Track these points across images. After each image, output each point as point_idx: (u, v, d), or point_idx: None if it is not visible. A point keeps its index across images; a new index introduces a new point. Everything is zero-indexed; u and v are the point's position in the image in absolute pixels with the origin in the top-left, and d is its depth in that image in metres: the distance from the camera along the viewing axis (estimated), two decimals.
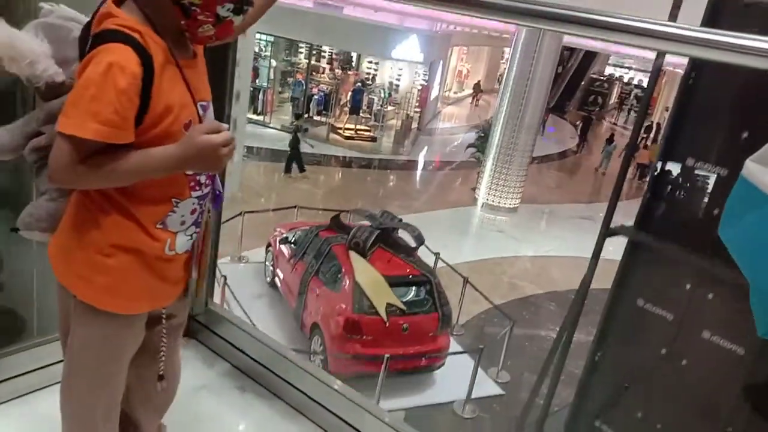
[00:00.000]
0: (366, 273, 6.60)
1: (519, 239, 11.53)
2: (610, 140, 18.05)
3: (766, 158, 1.05)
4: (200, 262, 1.42)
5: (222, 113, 2.01)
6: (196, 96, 1.22)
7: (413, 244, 7.36)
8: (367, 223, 7.47)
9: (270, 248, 8.36)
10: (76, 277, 1.28)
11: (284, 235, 7.98)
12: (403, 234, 7.60)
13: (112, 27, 1.11)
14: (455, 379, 6.60)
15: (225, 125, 1.18)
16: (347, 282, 6.62)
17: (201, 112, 1.24)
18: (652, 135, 21.45)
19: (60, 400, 1.40)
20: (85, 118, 1.08)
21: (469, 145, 15.23)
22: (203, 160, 1.16)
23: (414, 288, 6.95)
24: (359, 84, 17.47)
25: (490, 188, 12.85)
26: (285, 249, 7.88)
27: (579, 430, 2.99)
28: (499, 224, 12.43)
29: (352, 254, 6.85)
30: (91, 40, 1.13)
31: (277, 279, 8.01)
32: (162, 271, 1.31)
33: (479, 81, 26.11)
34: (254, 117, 16.00)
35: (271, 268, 8.22)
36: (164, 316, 1.42)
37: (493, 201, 12.85)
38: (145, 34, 1.12)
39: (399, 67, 17.55)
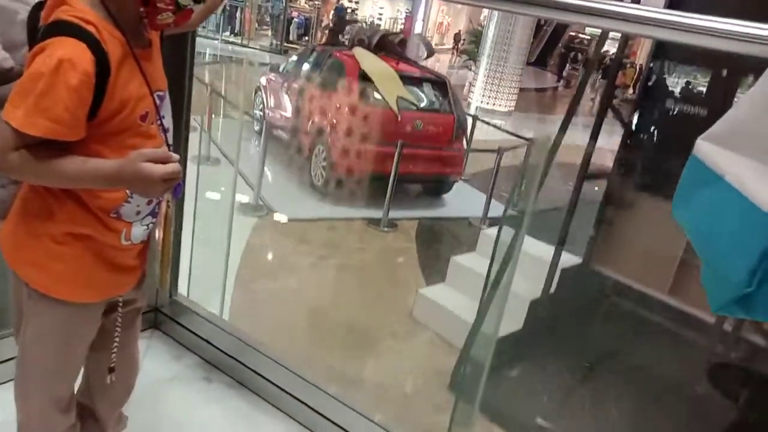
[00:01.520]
0: (374, 64, 5.89)
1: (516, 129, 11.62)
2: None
3: (717, 136, 1.07)
4: (163, 253, 1.39)
5: (181, 105, 1.97)
6: (153, 86, 1.19)
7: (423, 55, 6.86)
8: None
9: (259, 92, 7.64)
10: (29, 265, 1.25)
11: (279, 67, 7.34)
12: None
13: (66, 18, 1.07)
14: (465, 202, 6.42)
15: (175, 156, 1.11)
16: (352, 75, 5.94)
17: (158, 101, 1.21)
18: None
19: (14, 394, 1.37)
20: (33, 113, 1.04)
21: (461, 52, 14.69)
22: (138, 187, 1.12)
23: (427, 87, 6.36)
24: (341, 3, 16.72)
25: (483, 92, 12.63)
26: (278, 77, 7.27)
27: None
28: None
29: (357, 49, 6.15)
30: (44, 29, 1.09)
31: (269, 116, 7.13)
32: (117, 259, 1.28)
33: (459, 31, 25.98)
34: (231, 39, 15.35)
35: (260, 113, 7.40)
36: (120, 303, 1.39)
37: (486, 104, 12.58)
38: (101, 28, 1.08)
39: (380, 6, 17.02)
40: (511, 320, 3.57)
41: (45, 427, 1.37)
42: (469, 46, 14.36)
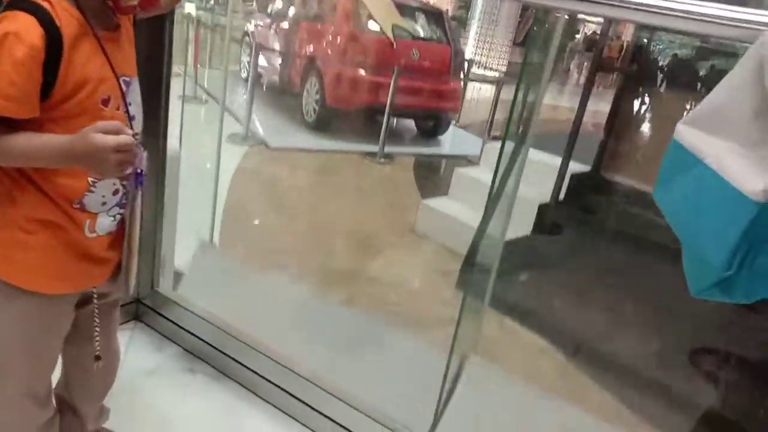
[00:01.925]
0: None
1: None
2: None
3: (697, 120, 1.07)
4: (129, 245, 1.35)
5: (158, 93, 1.94)
6: (118, 70, 1.16)
7: None
8: None
9: (246, 37, 7.54)
10: None
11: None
12: None
13: None
14: (462, 142, 6.38)
15: (128, 130, 1.08)
16: (344, 4, 5.91)
17: (124, 87, 1.18)
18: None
19: None
20: None
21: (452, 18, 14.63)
22: (92, 162, 1.06)
23: (422, 17, 6.28)
24: None
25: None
26: (266, 20, 7.16)
27: None
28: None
29: None
30: (3, 6, 1.06)
31: (257, 63, 6.81)
32: (87, 250, 1.25)
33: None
34: None
35: (248, 58, 7.22)
36: (95, 295, 1.37)
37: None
38: (56, 4, 1.05)
39: None
40: (521, 224, 3.65)
41: (22, 422, 1.34)
42: (458, 12, 14.28)
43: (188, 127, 2.63)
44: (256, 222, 3.96)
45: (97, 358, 1.41)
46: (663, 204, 1.14)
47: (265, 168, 5.26)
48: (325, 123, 6.06)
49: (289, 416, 1.93)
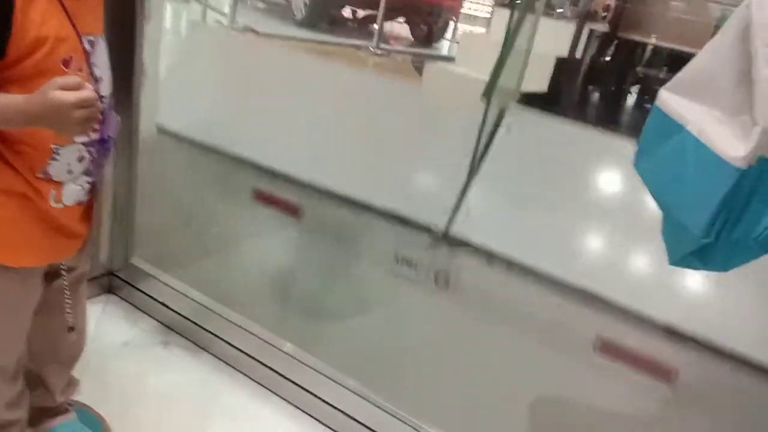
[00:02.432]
0: None
1: None
2: None
3: (679, 86, 1.05)
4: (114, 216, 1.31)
5: (129, 52, 1.87)
6: (81, 29, 1.10)
7: None
8: None
9: None
10: None
11: None
12: None
13: None
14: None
15: (89, 86, 1.02)
16: None
17: (87, 47, 1.12)
18: None
19: None
20: None
21: None
22: (53, 121, 1.01)
23: None
24: None
25: None
26: None
27: None
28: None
29: None
30: None
31: None
32: (54, 222, 1.21)
33: None
34: None
35: None
36: (64, 269, 1.33)
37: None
38: None
39: None
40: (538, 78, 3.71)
41: None
42: None
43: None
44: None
45: (71, 329, 1.38)
46: (644, 174, 1.13)
47: (256, 51, 5.11)
48: (315, 19, 6.16)
49: (269, 389, 1.91)
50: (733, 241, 0.98)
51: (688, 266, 1.06)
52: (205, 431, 1.74)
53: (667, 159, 1.06)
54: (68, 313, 1.37)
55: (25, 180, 1.13)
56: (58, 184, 1.17)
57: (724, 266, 1.02)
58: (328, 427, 1.82)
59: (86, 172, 1.21)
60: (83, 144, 1.18)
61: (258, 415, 1.83)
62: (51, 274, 1.33)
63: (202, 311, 2.04)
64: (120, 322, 2.10)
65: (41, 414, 1.49)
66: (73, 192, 1.20)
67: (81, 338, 1.50)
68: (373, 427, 1.76)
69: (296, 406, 1.87)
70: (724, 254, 1.00)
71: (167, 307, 2.10)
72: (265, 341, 1.93)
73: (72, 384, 1.57)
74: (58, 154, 1.14)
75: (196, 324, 2.05)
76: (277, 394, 1.90)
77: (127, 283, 2.18)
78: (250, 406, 1.86)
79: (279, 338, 1.94)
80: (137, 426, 1.69)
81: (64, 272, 1.32)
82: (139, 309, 2.16)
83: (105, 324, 2.07)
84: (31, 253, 1.22)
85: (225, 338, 1.99)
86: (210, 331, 2.02)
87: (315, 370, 1.85)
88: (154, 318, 2.13)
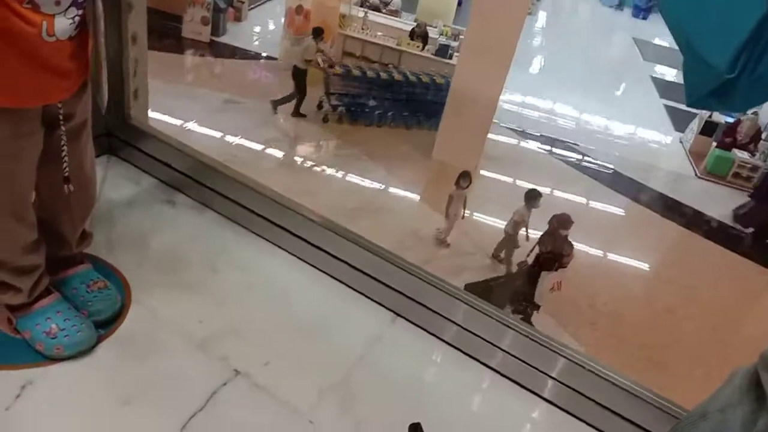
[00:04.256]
0: None
1: None
2: None
3: None
4: (96, 54, 1.26)
5: None
6: None
7: None
8: None
9: None
10: None
11: None
12: None
13: None
14: None
15: None
16: None
17: None
18: None
19: None
20: None
21: None
22: None
23: None
24: None
25: None
26: None
27: None
28: None
29: None
30: None
31: None
32: (46, 61, 1.17)
33: None
34: None
35: None
36: (61, 117, 1.31)
37: None
38: None
39: None
40: None
41: (5, 238, 1.34)
42: None
43: None
44: None
45: (66, 180, 1.39)
46: (665, 8, 1.08)
47: None
48: None
49: (273, 243, 1.96)
50: (756, 77, 0.96)
51: (707, 107, 1.05)
52: (217, 282, 1.81)
53: None
54: (65, 163, 1.37)
55: (12, 11, 1.08)
56: (49, 17, 1.13)
57: (745, 105, 1.01)
58: (335, 278, 1.89)
59: (74, 4, 1.16)
60: None
61: (266, 266, 1.90)
62: (50, 123, 1.31)
63: (204, 168, 2.04)
64: (123, 183, 2.10)
65: (58, 263, 1.54)
66: (64, 25, 1.16)
67: (92, 189, 1.51)
68: (376, 276, 1.83)
69: (301, 258, 1.92)
70: (745, 92, 0.98)
71: (170, 166, 2.09)
72: (266, 195, 1.95)
73: (86, 236, 1.60)
74: None
75: (198, 182, 2.05)
76: (281, 248, 1.95)
77: (127, 143, 2.16)
78: (257, 258, 1.91)
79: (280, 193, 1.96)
80: (149, 278, 1.74)
81: (62, 120, 1.30)
82: (141, 169, 2.15)
83: (107, 185, 2.07)
84: (21, 94, 1.20)
85: (228, 195, 2.00)
86: (213, 188, 2.03)
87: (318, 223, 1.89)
88: (156, 177, 2.13)
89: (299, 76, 8.33)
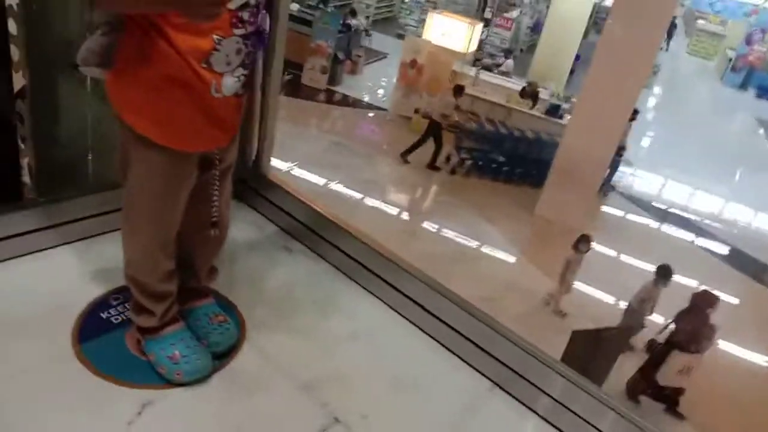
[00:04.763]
0: None
1: None
2: None
3: None
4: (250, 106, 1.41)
5: None
6: None
7: None
8: None
9: None
10: (131, 110, 1.32)
11: None
12: None
13: None
14: None
15: None
16: None
17: None
18: None
19: (121, 232, 1.49)
20: None
21: None
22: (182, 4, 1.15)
23: None
24: None
25: None
26: None
27: None
28: None
29: None
30: None
31: None
32: (213, 111, 1.33)
33: None
34: None
35: None
36: (218, 159, 1.45)
37: None
38: None
39: None
40: None
41: (149, 264, 1.48)
42: None
43: None
44: None
45: (214, 225, 1.52)
46: None
47: None
48: None
49: (381, 300, 2.01)
50: None
51: None
52: (324, 329, 1.88)
53: None
54: (215, 204, 1.51)
55: (191, 68, 1.25)
56: (219, 75, 1.28)
57: None
58: (435, 339, 1.90)
59: (242, 65, 1.31)
60: (241, 36, 1.27)
61: (370, 318, 1.95)
62: (205, 165, 1.46)
63: (323, 221, 2.15)
64: (247, 228, 2.25)
65: (187, 294, 1.67)
66: (230, 83, 1.31)
67: (225, 228, 1.65)
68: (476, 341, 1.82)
69: (405, 316, 1.96)
70: None
71: (291, 216, 2.23)
72: (376, 251, 2.01)
73: (213, 271, 1.73)
74: (220, 44, 1.25)
75: (316, 233, 2.17)
76: (387, 303, 1.99)
77: (255, 191, 2.32)
78: (363, 309, 1.98)
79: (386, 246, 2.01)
80: (263, 318, 1.84)
81: (217, 161, 1.44)
82: (265, 216, 2.30)
83: (233, 229, 2.22)
84: (189, 139, 1.36)
85: (341, 247, 2.09)
86: (328, 240, 2.13)
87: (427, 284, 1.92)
88: (278, 226, 2.27)
89: (436, 129, 8.63)
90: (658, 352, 4.89)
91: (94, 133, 2.10)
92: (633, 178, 9.91)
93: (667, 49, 20.18)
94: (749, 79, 19.19)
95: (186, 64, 1.25)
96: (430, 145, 8.51)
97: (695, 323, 4.76)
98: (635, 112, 9.87)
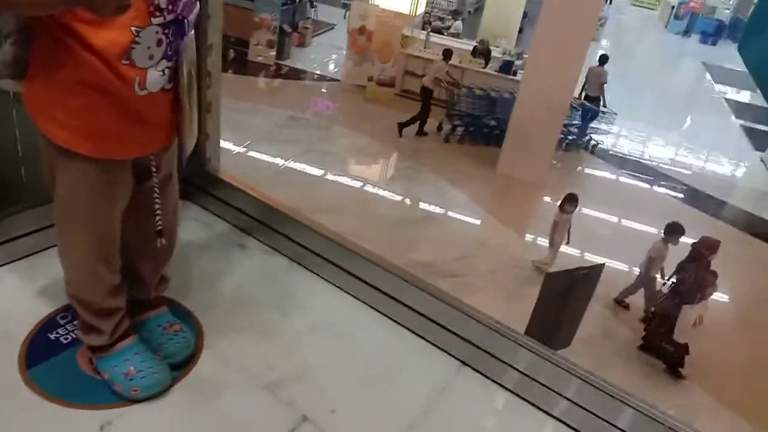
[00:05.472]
0: None
1: None
2: None
3: None
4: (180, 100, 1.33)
5: None
6: None
7: None
8: None
9: None
10: (50, 121, 1.24)
11: None
12: None
13: None
14: None
15: None
16: None
17: None
18: None
19: (58, 250, 1.41)
20: None
21: None
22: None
23: None
24: None
25: None
26: None
27: None
28: None
29: None
30: None
31: None
32: (139, 112, 1.25)
33: None
34: None
35: None
36: (154, 169, 1.38)
37: None
38: None
39: None
40: None
41: (90, 281, 1.41)
42: None
43: None
44: None
45: (159, 234, 1.46)
46: (747, 59, 1.06)
47: None
48: None
49: (335, 286, 1.98)
50: None
51: None
52: (285, 326, 1.84)
53: None
54: (158, 213, 1.44)
55: (111, 68, 1.17)
56: (142, 71, 1.21)
57: None
58: (401, 324, 1.88)
59: (165, 57, 1.24)
60: (160, 26, 1.20)
61: (332, 311, 1.92)
62: (141, 175, 1.38)
63: (274, 214, 2.10)
64: (197, 227, 2.18)
65: (138, 306, 1.60)
66: (156, 78, 1.24)
67: (172, 237, 1.58)
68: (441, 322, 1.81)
69: (367, 303, 1.93)
70: None
71: (241, 211, 2.16)
72: (333, 239, 1.98)
73: (164, 280, 1.67)
74: (139, 36, 1.17)
75: (268, 227, 2.11)
76: (348, 292, 1.96)
77: (202, 189, 2.25)
78: (324, 302, 1.94)
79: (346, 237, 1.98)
80: (221, 321, 1.79)
81: (154, 170, 1.37)
82: (215, 214, 2.23)
83: (182, 229, 2.15)
84: (115, 145, 1.28)
85: (296, 239, 2.05)
86: (282, 233, 2.08)
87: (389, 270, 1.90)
88: (229, 222, 2.20)
89: (427, 96, 8.58)
90: (663, 306, 4.87)
91: (24, 145, 1.98)
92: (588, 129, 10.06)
93: (611, 3, 20.45)
94: (692, 25, 19.72)
95: (104, 64, 1.17)
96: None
97: (698, 271, 4.71)
98: (604, 57, 9.94)
